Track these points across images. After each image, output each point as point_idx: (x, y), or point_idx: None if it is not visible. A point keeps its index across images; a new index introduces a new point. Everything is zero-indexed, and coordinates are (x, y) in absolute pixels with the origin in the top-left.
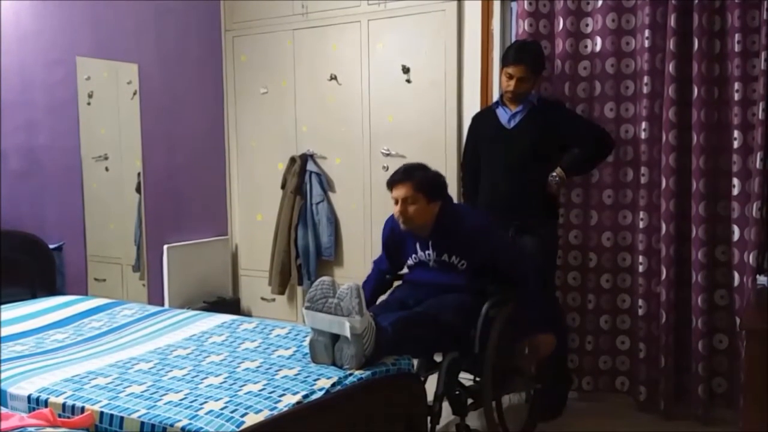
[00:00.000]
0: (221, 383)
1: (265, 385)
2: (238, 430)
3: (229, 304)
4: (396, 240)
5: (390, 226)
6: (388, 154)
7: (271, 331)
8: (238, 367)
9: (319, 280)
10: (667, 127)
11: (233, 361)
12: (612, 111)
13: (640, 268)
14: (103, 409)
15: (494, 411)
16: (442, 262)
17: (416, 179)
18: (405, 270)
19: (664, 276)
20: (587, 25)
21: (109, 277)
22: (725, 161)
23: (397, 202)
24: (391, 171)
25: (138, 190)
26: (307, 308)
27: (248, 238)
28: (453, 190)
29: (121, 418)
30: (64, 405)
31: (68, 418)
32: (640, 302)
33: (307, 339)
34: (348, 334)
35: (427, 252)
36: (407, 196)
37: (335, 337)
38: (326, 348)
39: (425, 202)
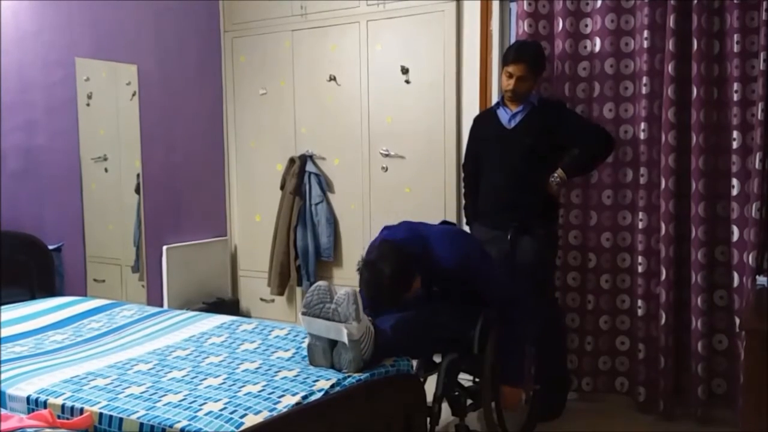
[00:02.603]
0: (220, 384)
1: (264, 386)
2: (237, 431)
3: (228, 305)
4: None
5: None
6: (387, 155)
7: (271, 332)
8: (237, 368)
9: (315, 285)
10: (666, 127)
11: (232, 362)
12: (611, 111)
13: (640, 269)
14: (102, 410)
15: (493, 412)
16: (434, 292)
17: (389, 299)
18: None
19: (663, 276)
20: (586, 26)
21: (108, 277)
22: (724, 162)
23: None
24: (390, 172)
25: (137, 190)
26: (304, 314)
27: (247, 239)
28: (453, 191)
29: (120, 419)
30: (63, 406)
31: (67, 419)
32: (640, 303)
33: (306, 341)
34: (345, 340)
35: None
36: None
37: (333, 341)
38: (324, 352)
39: (408, 292)
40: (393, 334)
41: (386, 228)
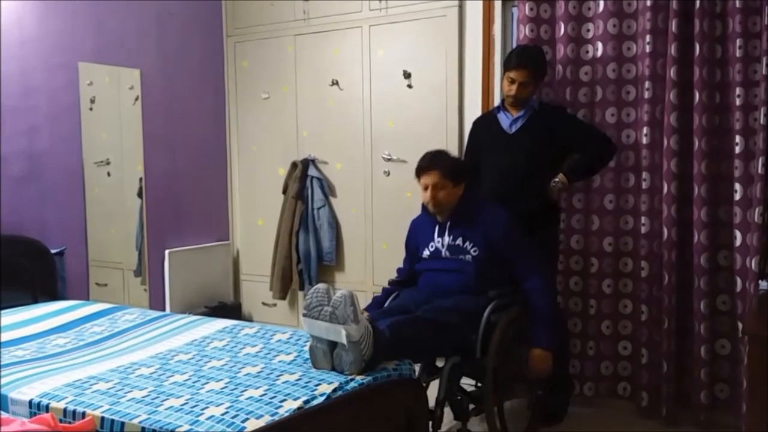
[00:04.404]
0: (222, 388)
1: (266, 390)
2: None
3: (230, 309)
4: (416, 234)
5: (413, 224)
6: (389, 159)
7: (273, 336)
8: (239, 372)
9: (314, 287)
10: (668, 131)
11: (234, 366)
12: (613, 116)
13: (642, 273)
14: (104, 415)
15: (496, 416)
16: (456, 248)
17: (443, 166)
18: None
19: (665, 281)
20: (588, 31)
21: (110, 281)
22: (727, 166)
23: (426, 188)
24: (392, 176)
25: (139, 194)
26: (305, 315)
27: (249, 243)
28: None
29: (122, 423)
30: (65, 410)
31: (69, 423)
32: (642, 307)
33: (308, 345)
34: (344, 341)
35: (443, 237)
36: (436, 182)
37: (334, 343)
38: (325, 354)
39: (452, 186)
40: (390, 334)
41: None
